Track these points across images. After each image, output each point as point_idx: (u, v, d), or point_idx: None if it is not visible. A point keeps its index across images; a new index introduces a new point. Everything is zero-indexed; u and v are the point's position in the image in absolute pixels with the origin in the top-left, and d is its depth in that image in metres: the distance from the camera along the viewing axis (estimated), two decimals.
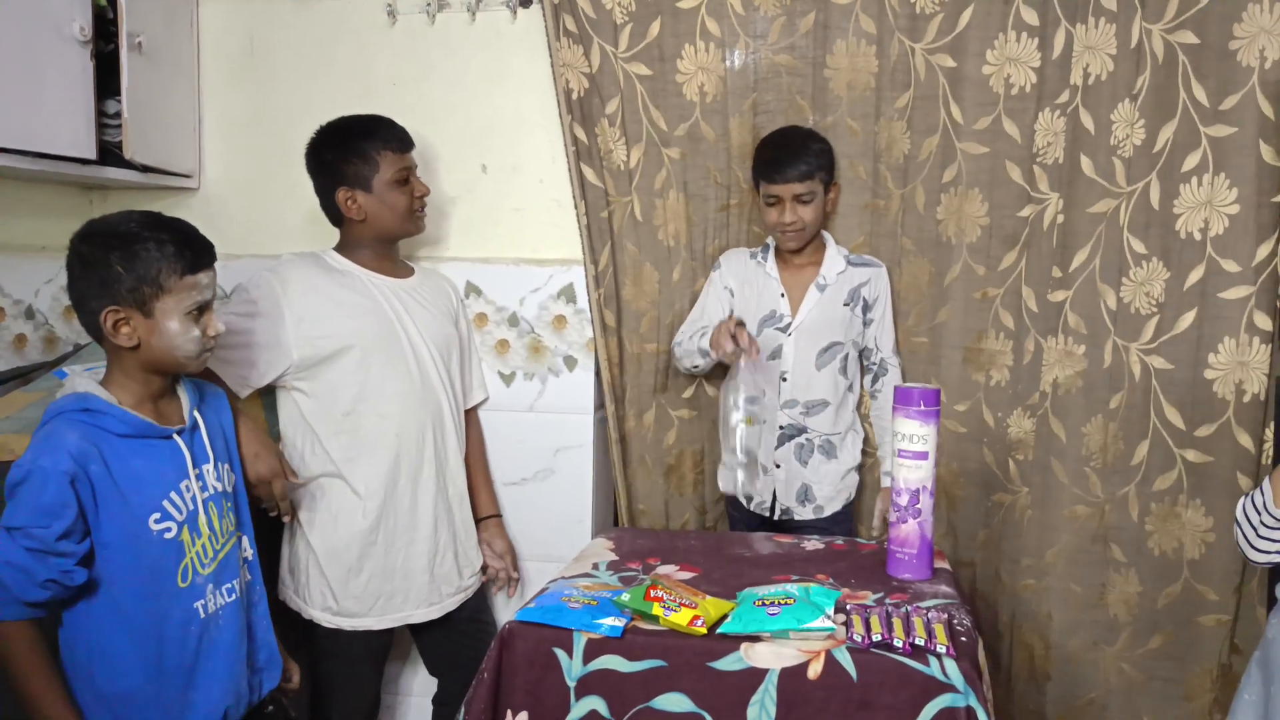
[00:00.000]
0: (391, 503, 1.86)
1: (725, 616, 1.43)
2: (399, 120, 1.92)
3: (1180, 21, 1.82)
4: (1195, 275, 1.88)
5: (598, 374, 2.15)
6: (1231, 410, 1.87)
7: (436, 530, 1.92)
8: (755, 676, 1.35)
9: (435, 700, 2.08)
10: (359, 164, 1.85)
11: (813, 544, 1.84)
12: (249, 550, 1.59)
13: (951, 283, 2.04)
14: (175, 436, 1.45)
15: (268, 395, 1.87)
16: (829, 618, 1.38)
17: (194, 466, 1.46)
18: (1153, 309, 1.91)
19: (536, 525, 2.18)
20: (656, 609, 1.42)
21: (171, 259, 1.38)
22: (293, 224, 2.20)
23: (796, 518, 2.05)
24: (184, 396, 1.51)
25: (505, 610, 2.17)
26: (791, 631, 1.38)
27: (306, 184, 1.91)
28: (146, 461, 1.40)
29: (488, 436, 2.17)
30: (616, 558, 1.75)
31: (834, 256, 2.03)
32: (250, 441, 1.64)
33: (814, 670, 1.34)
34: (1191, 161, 1.85)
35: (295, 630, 1.84)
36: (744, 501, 2.09)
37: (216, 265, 1.47)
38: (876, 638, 1.35)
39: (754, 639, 1.38)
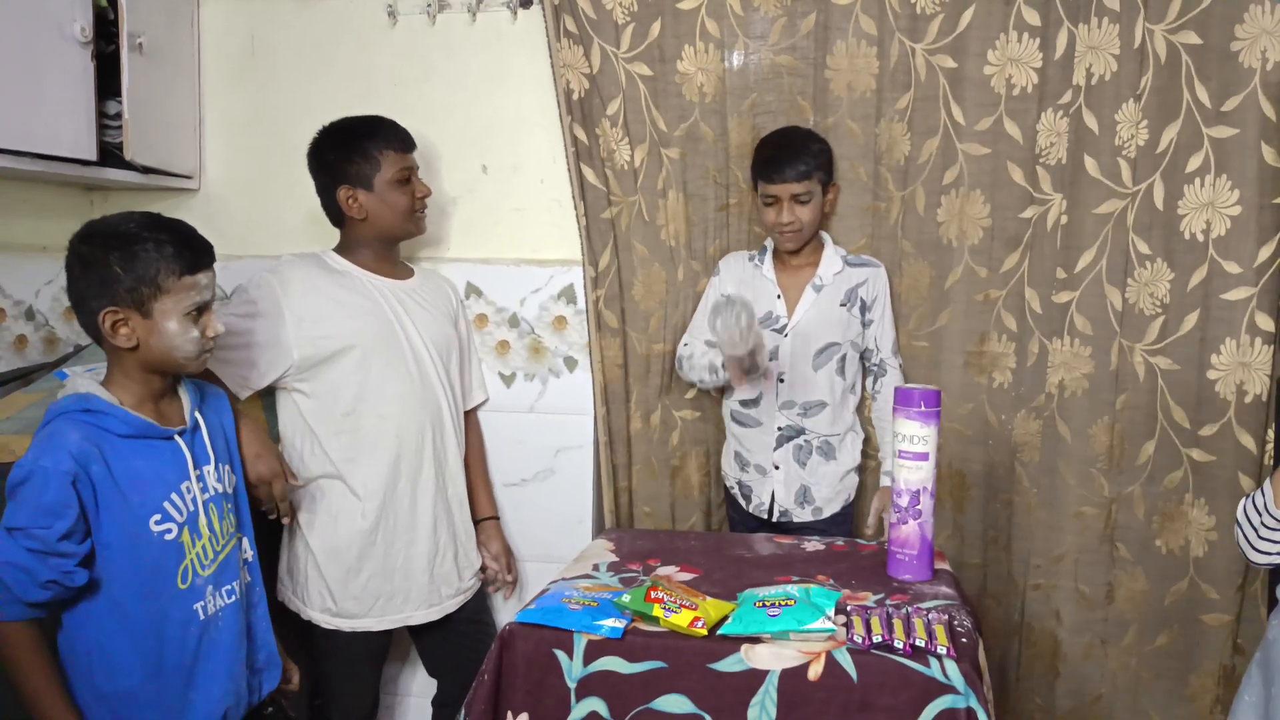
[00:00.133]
0: (391, 503, 1.86)
1: (726, 618, 1.43)
2: (400, 120, 1.92)
3: (1183, 22, 1.82)
4: (1198, 276, 1.88)
5: None
6: (1233, 411, 1.88)
7: (436, 531, 1.91)
8: (756, 678, 1.35)
9: (435, 702, 2.08)
10: (361, 163, 1.85)
11: (813, 545, 1.84)
12: (249, 551, 1.59)
13: (953, 285, 2.04)
14: (176, 437, 1.45)
15: (267, 396, 1.86)
16: (829, 619, 1.38)
17: (195, 467, 1.46)
18: (1157, 310, 1.91)
19: (537, 526, 2.18)
20: (657, 610, 1.42)
21: (170, 259, 1.38)
22: (293, 224, 2.20)
23: (795, 519, 2.05)
24: (185, 397, 1.51)
25: (505, 611, 2.16)
26: (792, 633, 1.38)
27: (307, 184, 1.92)
28: (147, 462, 1.40)
29: (488, 437, 2.17)
30: (617, 559, 1.75)
31: (831, 257, 2.03)
32: (251, 442, 1.64)
33: (814, 671, 1.34)
34: (1194, 163, 1.86)
35: (294, 631, 1.84)
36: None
37: (216, 266, 1.47)
38: (877, 639, 1.35)
39: (754, 640, 1.38)
